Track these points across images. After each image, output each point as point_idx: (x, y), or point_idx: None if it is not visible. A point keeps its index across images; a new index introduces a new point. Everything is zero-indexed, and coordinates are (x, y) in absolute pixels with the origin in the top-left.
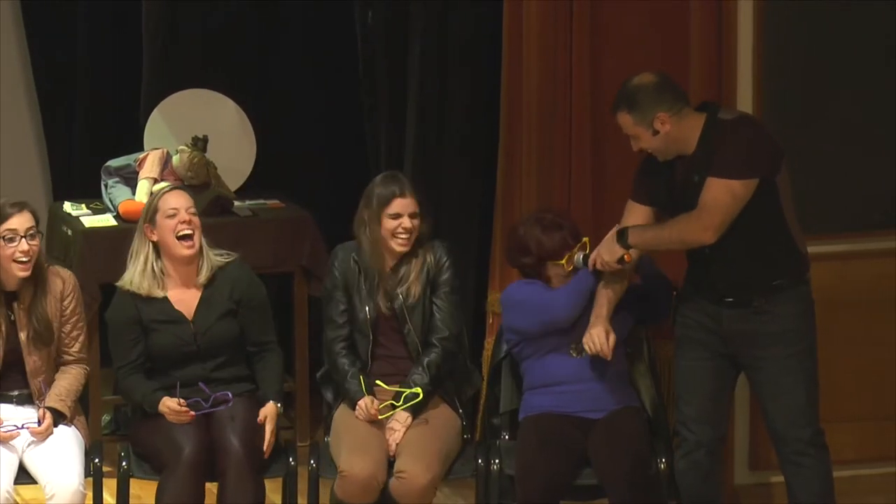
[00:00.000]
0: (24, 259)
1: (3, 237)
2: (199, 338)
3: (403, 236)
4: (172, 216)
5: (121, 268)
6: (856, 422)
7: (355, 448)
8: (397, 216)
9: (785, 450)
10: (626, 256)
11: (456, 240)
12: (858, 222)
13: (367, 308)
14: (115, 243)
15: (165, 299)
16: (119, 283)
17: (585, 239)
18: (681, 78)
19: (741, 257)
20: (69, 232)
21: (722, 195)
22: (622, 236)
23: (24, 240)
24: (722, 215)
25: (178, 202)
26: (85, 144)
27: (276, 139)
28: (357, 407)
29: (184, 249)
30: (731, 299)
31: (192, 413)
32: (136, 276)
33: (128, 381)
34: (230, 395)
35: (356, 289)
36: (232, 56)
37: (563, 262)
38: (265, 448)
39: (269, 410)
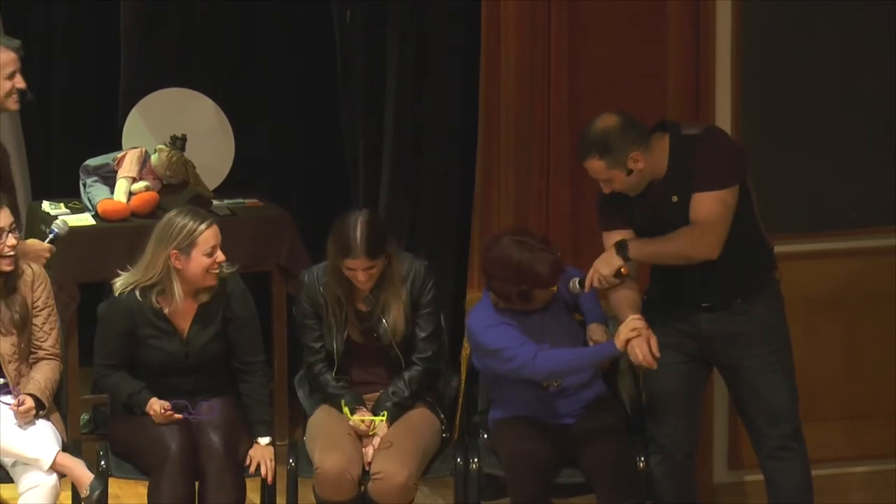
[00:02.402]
0: (11, 253)
1: None
2: (191, 355)
3: (360, 281)
4: (210, 254)
5: (100, 267)
6: (835, 420)
7: (327, 445)
8: (352, 269)
9: (767, 445)
10: (622, 269)
11: (434, 239)
12: (834, 221)
13: (335, 341)
14: (94, 242)
15: (163, 315)
16: (122, 289)
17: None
18: (658, 78)
19: (721, 264)
20: (48, 231)
21: (716, 208)
22: (622, 248)
23: (9, 235)
24: (723, 228)
25: (216, 238)
26: (63, 144)
27: (254, 138)
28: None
29: (211, 280)
30: (707, 304)
31: (178, 416)
32: (148, 289)
33: (112, 377)
34: (216, 406)
35: (325, 320)
36: (210, 55)
37: (556, 287)
38: (267, 477)
39: (257, 451)
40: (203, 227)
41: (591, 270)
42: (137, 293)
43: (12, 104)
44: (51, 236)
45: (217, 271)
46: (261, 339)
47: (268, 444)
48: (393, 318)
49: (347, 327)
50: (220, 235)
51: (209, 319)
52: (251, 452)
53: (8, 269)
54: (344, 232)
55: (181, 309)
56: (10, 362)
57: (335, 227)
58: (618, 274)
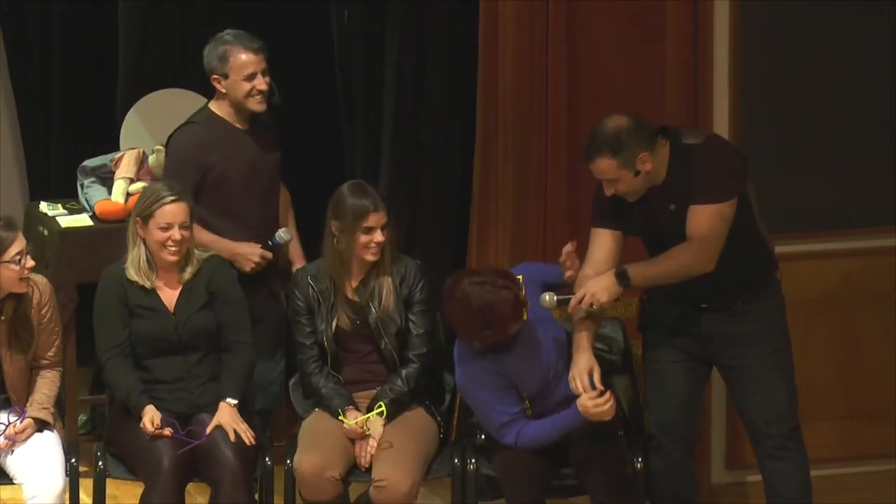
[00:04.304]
0: (28, 276)
1: (15, 261)
2: (180, 328)
3: (375, 248)
4: (165, 229)
5: (98, 268)
6: (832, 421)
7: (308, 445)
8: (370, 230)
9: (766, 444)
10: (620, 296)
11: (433, 239)
12: (834, 221)
13: (324, 328)
14: (92, 243)
15: (151, 289)
16: (110, 268)
17: (520, 277)
18: (657, 80)
19: (720, 266)
20: (45, 232)
21: (714, 221)
22: (622, 277)
23: (28, 256)
24: (719, 241)
25: (175, 217)
26: (61, 144)
27: None
28: (346, 430)
29: (168, 257)
30: (706, 305)
31: (167, 432)
32: (132, 267)
33: (115, 369)
34: (205, 434)
35: (317, 311)
36: None
37: (525, 318)
38: (246, 440)
39: (220, 414)
40: (167, 200)
41: (585, 293)
42: (133, 272)
43: (254, 104)
44: (270, 244)
45: (174, 248)
46: (248, 324)
47: (234, 406)
48: (382, 303)
49: (337, 314)
50: (183, 216)
51: (195, 295)
52: (218, 417)
53: (24, 290)
54: (352, 198)
55: (167, 286)
56: (14, 383)
57: (336, 202)
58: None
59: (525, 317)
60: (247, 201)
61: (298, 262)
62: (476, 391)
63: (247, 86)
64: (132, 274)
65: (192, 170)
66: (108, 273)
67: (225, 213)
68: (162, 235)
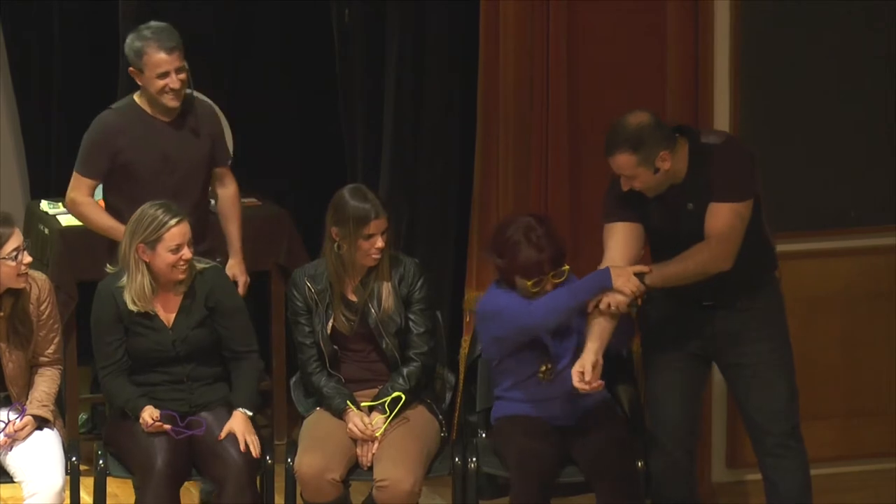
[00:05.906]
0: (26, 271)
1: (12, 257)
2: (178, 344)
3: (376, 254)
4: (176, 251)
5: (98, 266)
6: (834, 419)
7: (308, 446)
8: (371, 237)
9: (766, 442)
10: (638, 300)
11: (433, 239)
12: (834, 221)
13: (321, 330)
14: (93, 242)
15: (145, 312)
16: (104, 283)
17: (566, 267)
18: (658, 79)
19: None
20: (46, 230)
21: (732, 220)
22: (638, 279)
23: (25, 252)
24: (737, 240)
25: (183, 236)
26: (62, 143)
27: (253, 137)
28: (351, 427)
29: (179, 276)
30: (709, 303)
31: (167, 427)
32: (134, 297)
33: (112, 383)
34: (204, 423)
35: (315, 312)
36: (209, 54)
37: (530, 283)
38: (254, 451)
39: (235, 422)
40: (171, 223)
41: (606, 295)
42: (135, 300)
43: (167, 100)
44: None
45: (184, 267)
46: (252, 331)
47: (248, 417)
48: (383, 304)
49: (335, 315)
50: (188, 234)
51: (193, 311)
52: (232, 424)
53: (24, 284)
54: (353, 204)
55: (164, 303)
56: (14, 380)
57: (337, 207)
58: (632, 302)
59: (536, 290)
60: (156, 193)
61: (234, 255)
62: (490, 297)
63: (160, 83)
64: (131, 303)
65: (100, 153)
66: (103, 289)
67: (132, 200)
68: (173, 257)
